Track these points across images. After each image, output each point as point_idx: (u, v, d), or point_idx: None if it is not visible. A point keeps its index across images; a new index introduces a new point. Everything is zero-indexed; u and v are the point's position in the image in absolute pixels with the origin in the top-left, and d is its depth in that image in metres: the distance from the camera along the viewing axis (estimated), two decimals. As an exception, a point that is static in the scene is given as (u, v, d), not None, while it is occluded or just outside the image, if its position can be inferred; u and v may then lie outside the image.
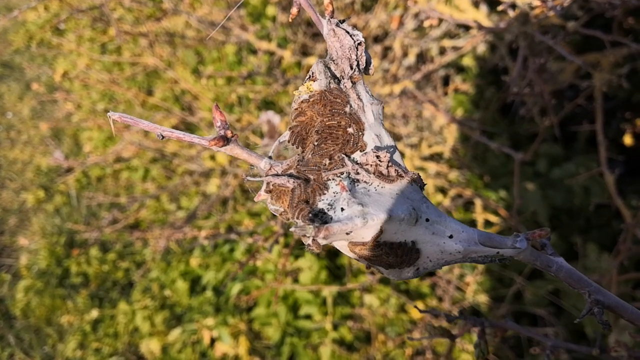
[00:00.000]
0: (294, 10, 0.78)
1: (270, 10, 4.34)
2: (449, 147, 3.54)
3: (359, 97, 0.78)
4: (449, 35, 3.69)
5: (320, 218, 0.69)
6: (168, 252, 4.05)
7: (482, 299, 3.30)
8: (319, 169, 0.75)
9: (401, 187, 0.74)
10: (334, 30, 0.77)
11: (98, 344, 3.72)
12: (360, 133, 0.77)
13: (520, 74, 2.29)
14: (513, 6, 2.06)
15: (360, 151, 0.77)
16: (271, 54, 4.14)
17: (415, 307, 1.06)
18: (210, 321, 3.44)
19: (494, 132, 3.67)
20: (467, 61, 3.86)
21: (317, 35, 4.10)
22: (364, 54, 0.79)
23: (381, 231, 0.69)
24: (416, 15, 3.56)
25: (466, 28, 3.64)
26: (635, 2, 1.91)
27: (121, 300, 3.89)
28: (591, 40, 2.81)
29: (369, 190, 0.73)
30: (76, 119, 5.20)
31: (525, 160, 2.86)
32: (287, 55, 3.85)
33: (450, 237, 0.74)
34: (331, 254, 3.53)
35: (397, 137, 3.68)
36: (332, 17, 0.78)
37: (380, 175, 0.74)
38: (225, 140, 0.74)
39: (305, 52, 4.11)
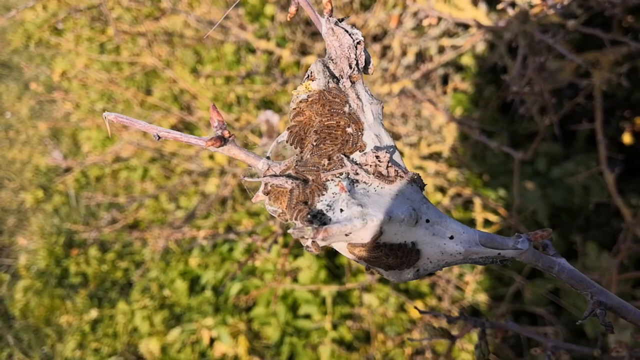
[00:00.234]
0: (292, 9, 0.77)
1: (269, 9, 4.33)
2: (448, 146, 3.53)
3: (358, 97, 0.78)
4: (448, 34, 3.68)
5: (319, 219, 0.68)
6: (167, 252, 4.05)
7: (482, 298, 3.29)
8: (317, 169, 0.74)
9: (401, 187, 0.73)
10: (332, 29, 0.76)
11: (97, 344, 3.71)
12: (359, 133, 0.76)
13: (520, 73, 2.28)
14: (512, 4, 2.05)
15: (360, 151, 0.76)
16: (270, 53, 4.14)
17: (415, 307, 1.05)
18: (209, 321, 3.44)
19: (493, 131, 3.67)
20: (466, 60, 3.86)
21: (316, 35, 4.09)
22: (363, 52, 0.78)
23: (381, 232, 0.68)
24: (415, 14, 3.55)
25: (465, 27, 3.64)
26: (635, 1, 1.91)
27: (120, 300, 3.89)
28: (590, 39, 2.80)
29: (368, 191, 0.72)
30: (75, 118, 5.19)
31: (525, 159, 2.86)
32: (286, 55, 3.85)
33: (451, 238, 0.73)
34: (330, 254, 3.53)
35: (396, 136, 3.67)
36: (330, 15, 0.77)
37: (379, 175, 0.73)
38: (222, 141, 0.73)
39: (304, 51, 4.10)
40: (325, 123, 0.76)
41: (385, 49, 3.79)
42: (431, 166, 3.51)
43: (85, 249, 4.36)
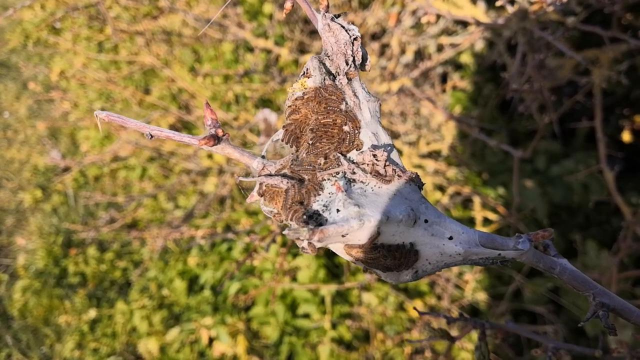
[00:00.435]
0: (288, 4, 0.76)
1: (267, 7, 4.32)
2: (447, 145, 3.53)
3: (355, 94, 0.76)
4: (446, 32, 3.67)
5: (315, 220, 0.66)
6: (166, 252, 4.04)
7: (481, 296, 3.29)
8: (313, 168, 0.72)
9: (399, 187, 0.71)
10: (328, 25, 0.75)
11: (96, 344, 3.70)
12: (356, 131, 0.75)
13: (519, 71, 2.28)
14: (512, 1, 2.04)
15: (357, 150, 0.75)
16: (268, 51, 4.13)
17: (415, 308, 1.04)
18: (208, 320, 3.43)
19: (492, 129, 3.66)
20: (465, 58, 3.85)
21: (314, 33, 4.08)
22: (360, 49, 0.76)
23: (378, 233, 0.67)
24: (414, 12, 3.54)
25: (464, 25, 3.63)
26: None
27: (119, 299, 3.88)
28: (589, 37, 2.79)
29: (365, 191, 0.70)
30: (73, 118, 5.18)
31: (524, 157, 2.85)
32: (284, 53, 3.84)
33: (450, 238, 0.71)
34: (329, 253, 3.52)
35: (395, 135, 3.67)
36: (327, 11, 0.76)
37: (377, 174, 0.71)
38: (216, 139, 0.71)
39: (302, 49, 4.09)
40: (322, 121, 0.74)
41: (384, 47, 3.79)
42: (430, 165, 3.51)
43: (83, 249, 4.35)
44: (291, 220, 0.67)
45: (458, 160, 3.65)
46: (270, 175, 0.73)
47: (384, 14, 3.65)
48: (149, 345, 3.49)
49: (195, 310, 3.57)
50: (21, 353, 3.83)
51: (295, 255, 3.46)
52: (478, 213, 3.23)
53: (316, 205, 0.68)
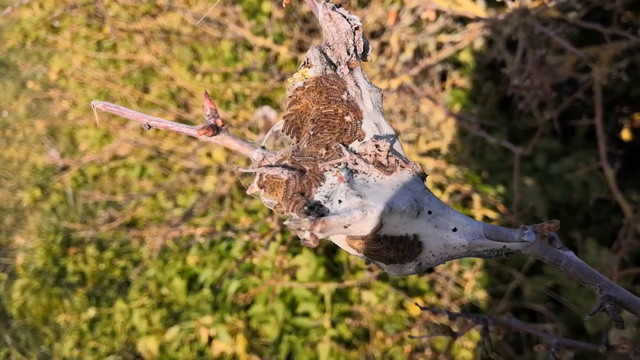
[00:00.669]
0: (287, -5, 0.75)
1: (266, 6, 4.32)
2: (447, 143, 3.52)
3: (356, 84, 0.75)
4: (446, 30, 3.67)
5: (317, 211, 0.65)
6: (165, 250, 4.03)
7: (481, 295, 3.28)
8: (315, 159, 0.71)
9: (402, 178, 0.70)
10: (329, 15, 0.74)
11: (95, 343, 3.69)
12: (358, 121, 0.74)
13: (520, 68, 2.27)
14: (512, -2, 2.04)
15: (359, 140, 0.74)
16: (267, 50, 4.12)
17: (416, 304, 1.03)
18: (207, 319, 3.42)
19: (492, 127, 3.66)
20: (465, 56, 3.84)
21: (313, 31, 4.08)
22: (361, 38, 0.75)
23: (381, 224, 0.66)
24: (413, 10, 3.54)
25: (463, 23, 3.62)
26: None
27: (118, 298, 3.87)
28: (589, 35, 2.79)
29: (368, 182, 0.69)
30: (72, 117, 5.16)
31: (525, 154, 2.84)
32: (284, 52, 3.83)
33: (454, 230, 0.70)
34: (329, 251, 3.51)
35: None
36: (327, 1, 0.75)
37: (379, 165, 0.70)
38: (215, 130, 0.70)
39: (301, 48, 4.08)
40: (323, 111, 0.73)
41: (383, 46, 3.78)
42: (430, 163, 3.50)
43: (82, 248, 4.34)
44: (292, 211, 0.66)
45: (457, 159, 3.65)
46: (270, 166, 0.72)
47: (383, 12, 3.64)
48: (148, 344, 3.48)
49: (194, 309, 3.56)
50: (20, 352, 3.82)
51: (294, 254, 3.46)
52: (478, 211, 3.22)
53: (318, 196, 0.67)
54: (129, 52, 4.78)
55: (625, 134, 3.39)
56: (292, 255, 3.44)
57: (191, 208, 3.98)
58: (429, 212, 0.70)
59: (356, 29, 0.74)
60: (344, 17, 0.74)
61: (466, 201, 3.53)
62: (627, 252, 2.52)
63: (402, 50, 3.70)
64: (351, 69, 0.75)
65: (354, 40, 0.74)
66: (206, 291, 3.62)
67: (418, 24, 3.74)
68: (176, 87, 4.51)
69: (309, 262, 3.37)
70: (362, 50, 0.76)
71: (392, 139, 0.73)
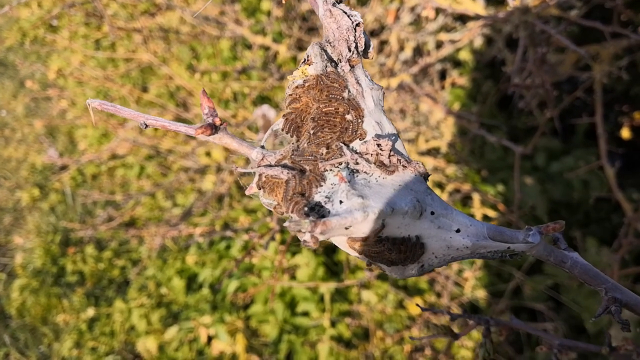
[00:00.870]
0: (288, -8, 0.74)
1: (265, 4, 4.31)
2: (446, 142, 3.51)
3: (357, 82, 0.74)
4: (445, 28, 3.66)
5: (317, 212, 0.64)
6: (164, 250, 4.02)
7: (481, 294, 3.27)
8: (315, 159, 0.70)
9: (404, 178, 0.69)
10: (330, 11, 0.72)
11: (94, 342, 3.69)
12: (359, 120, 0.73)
13: (520, 66, 2.26)
14: (513, -4, 2.03)
15: (360, 139, 0.73)
16: (266, 48, 4.11)
17: (418, 305, 1.02)
18: (207, 319, 3.41)
19: (492, 126, 3.65)
20: (464, 55, 3.83)
21: (312, 30, 4.07)
22: (362, 35, 0.74)
23: (383, 225, 0.65)
24: (412, 8, 3.53)
25: (463, 21, 3.61)
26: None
27: (117, 298, 3.86)
28: (588, 33, 2.78)
29: (369, 182, 0.68)
30: (70, 116, 5.15)
31: (525, 153, 2.84)
32: (283, 50, 3.82)
33: (458, 231, 0.69)
34: (328, 250, 3.50)
35: (394, 132, 3.64)
36: (328, -3, 0.74)
37: (381, 165, 0.69)
38: (213, 129, 0.69)
39: (300, 46, 4.07)
40: (323, 110, 0.72)
41: (383, 44, 3.77)
42: (429, 162, 3.49)
43: (81, 247, 4.34)
44: (292, 212, 0.64)
45: (457, 157, 3.64)
46: (270, 165, 0.71)
47: (383, 11, 3.64)
48: (147, 344, 3.48)
49: (193, 309, 3.55)
50: (19, 352, 3.81)
51: (294, 253, 3.45)
52: (477, 210, 3.21)
53: (318, 197, 0.66)
54: (128, 51, 4.77)
55: (625, 133, 3.39)
56: (291, 255, 3.44)
57: (190, 207, 3.97)
58: (432, 213, 0.69)
59: (357, 25, 0.73)
60: (345, 13, 0.73)
61: (466, 200, 3.53)
62: (628, 251, 2.52)
63: (401, 48, 3.69)
64: (352, 66, 0.74)
65: (355, 37, 0.73)
66: (205, 291, 3.61)
67: (417, 23, 3.73)
68: (175, 86, 4.50)
69: (308, 262, 3.36)
70: (363, 47, 0.75)
71: (394, 137, 0.72)
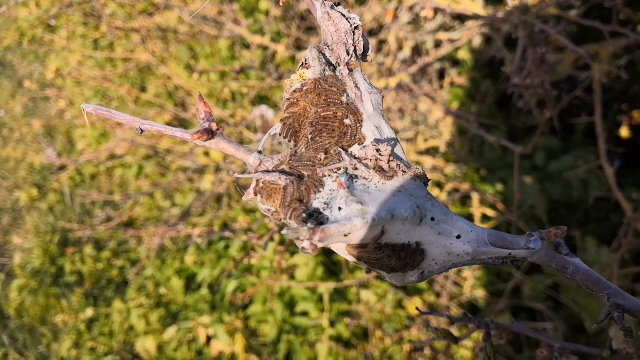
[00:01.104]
0: (285, -6, 0.73)
1: (264, 4, 4.30)
2: (445, 141, 3.51)
3: (356, 86, 0.73)
4: (444, 28, 3.65)
5: (316, 219, 0.63)
6: (163, 250, 4.02)
7: (480, 294, 3.27)
8: (313, 164, 0.69)
9: (404, 183, 0.68)
10: (328, 14, 0.71)
11: (93, 343, 3.68)
12: (358, 125, 0.72)
13: (519, 66, 2.26)
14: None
15: (359, 144, 0.72)
16: (265, 48, 4.11)
17: (417, 309, 1.02)
18: (206, 319, 3.41)
19: (491, 125, 3.64)
20: (463, 54, 3.83)
21: (311, 29, 4.06)
22: (361, 38, 0.73)
23: (383, 232, 0.64)
24: (411, 8, 3.52)
25: (462, 20, 3.61)
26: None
27: (116, 298, 3.86)
28: (587, 33, 2.78)
29: (368, 187, 0.67)
30: (69, 116, 5.14)
31: (525, 153, 2.83)
32: (281, 50, 3.82)
33: (458, 237, 0.68)
34: (328, 250, 3.50)
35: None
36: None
37: (381, 170, 0.68)
38: (209, 134, 0.68)
39: (299, 46, 4.07)
40: (322, 114, 0.71)
41: (381, 44, 3.76)
42: (428, 161, 3.49)
43: (80, 248, 4.33)
44: (290, 219, 0.64)
45: (456, 157, 3.63)
46: (267, 171, 0.70)
47: (381, 10, 3.63)
48: (146, 344, 3.47)
49: (192, 309, 3.55)
50: (18, 353, 3.81)
51: (293, 253, 3.44)
52: (476, 209, 3.21)
53: (317, 203, 0.65)
54: (126, 50, 4.76)
55: (625, 132, 3.38)
56: (290, 255, 3.43)
57: (189, 207, 3.97)
58: (432, 219, 0.68)
59: (356, 28, 0.72)
60: (344, 16, 0.72)
61: (465, 199, 3.52)
62: (627, 250, 2.51)
63: (400, 48, 3.68)
64: (351, 70, 0.73)
65: (353, 40, 0.72)
66: (204, 291, 3.61)
67: (416, 22, 3.73)
68: (173, 85, 4.49)
69: (307, 262, 3.35)
70: (362, 51, 0.74)
71: (393, 142, 0.71)
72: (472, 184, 3.42)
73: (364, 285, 3.34)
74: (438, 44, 3.64)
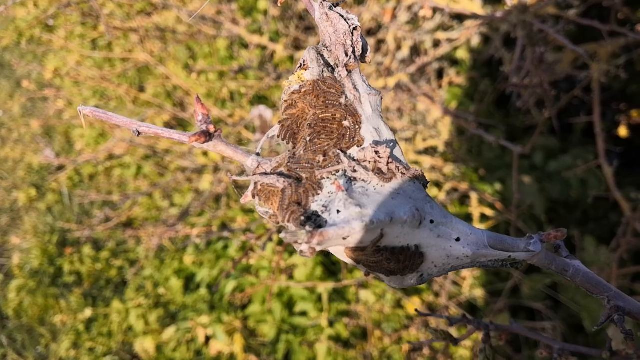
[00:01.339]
0: (283, -5, 0.73)
1: (262, 4, 4.29)
2: (444, 141, 3.51)
3: (355, 87, 0.72)
4: (442, 27, 3.65)
5: (314, 221, 0.63)
6: (161, 250, 4.01)
7: (479, 293, 3.27)
8: (312, 166, 0.69)
9: (403, 185, 0.68)
10: (327, 14, 0.71)
11: (92, 343, 3.68)
12: (357, 126, 0.71)
13: (518, 65, 2.26)
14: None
15: (358, 146, 0.71)
16: (263, 48, 4.10)
17: (417, 310, 1.02)
18: (204, 319, 3.41)
19: (490, 125, 3.64)
20: (461, 54, 3.83)
21: (309, 29, 4.06)
22: (359, 39, 0.72)
23: (381, 235, 0.63)
24: (409, 7, 3.52)
25: (460, 20, 3.61)
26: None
27: (115, 298, 3.85)
28: (586, 32, 2.78)
29: (367, 190, 0.67)
30: (67, 116, 5.14)
31: (524, 153, 2.83)
32: (280, 49, 3.81)
33: (457, 240, 0.68)
34: (326, 251, 3.49)
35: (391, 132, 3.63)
36: (324, 0, 0.72)
37: (379, 172, 0.67)
38: (207, 136, 0.67)
39: (297, 46, 4.06)
40: (320, 116, 0.70)
41: (380, 43, 3.76)
42: (427, 161, 3.49)
43: (79, 248, 4.33)
44: (288, 222, 0.63)
45: (455, 156, 3.63)
46: (265, 173, 0.69)
47: (379, 10, 3.63)
48: (145, 344, 3.47)
49: (191, 309, 3.55)
50: (16, 353, 3.81)
51: (291, 253, 3.44)
52: (475, 209, 3.21)
53: (315, 206, 0.64)
54: (125, 50, 4.76)
55: (623, 131, 3.39)
56: (289, 255, 3.43)
57: (187, 207, 3.96)
58: (431, 222, 0.68)
59: (354, 29, 0.72)
60: (342, 16, 0.71)
61: (463, 199, 3.52)
62: (626, 250, 2.51)
63: (398, 47, 3.68)
64: (349, 71, 0.73)
65: (352, 41, 0.71)
66: (203, 291, 3.61)
67: (414, 22, 3.72)
68: (172, 85, 4.49)
69: (306, 262, 3.35)
70: (360, 52, 0.74)
71: (392, 144, 0.71)
72: (471, 184, 3.42)
73: (363, 285, 3.34)
74: (436, 44, 3.63)
